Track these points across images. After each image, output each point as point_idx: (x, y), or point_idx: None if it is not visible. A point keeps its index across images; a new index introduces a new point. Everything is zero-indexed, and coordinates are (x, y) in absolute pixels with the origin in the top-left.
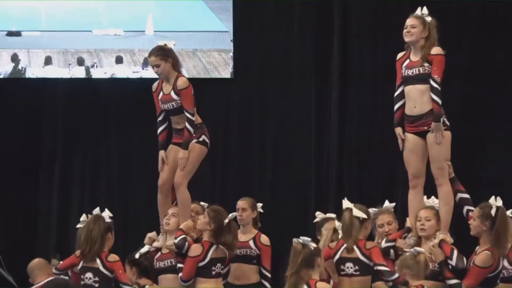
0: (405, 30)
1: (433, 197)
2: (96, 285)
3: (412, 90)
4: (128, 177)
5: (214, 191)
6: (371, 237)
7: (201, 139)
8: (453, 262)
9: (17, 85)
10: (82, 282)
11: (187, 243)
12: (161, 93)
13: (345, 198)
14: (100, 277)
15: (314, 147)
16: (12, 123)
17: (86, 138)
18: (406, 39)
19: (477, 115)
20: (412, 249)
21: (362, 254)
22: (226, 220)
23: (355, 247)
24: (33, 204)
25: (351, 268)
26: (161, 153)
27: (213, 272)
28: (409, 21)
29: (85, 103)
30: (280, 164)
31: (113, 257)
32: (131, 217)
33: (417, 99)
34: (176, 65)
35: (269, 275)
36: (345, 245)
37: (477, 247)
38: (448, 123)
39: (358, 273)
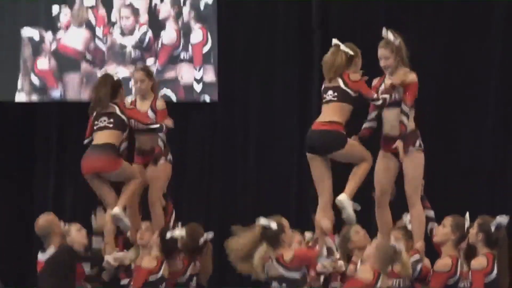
0: (380, 62)
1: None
2: (111, 125)
3: (389, 114)
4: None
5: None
6: None
7: (169, 158)
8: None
9: None
10: (95, 127)
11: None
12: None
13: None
14: (115, 119)
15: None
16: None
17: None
18: (384, 68)
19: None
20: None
21: (345, 84)
22: (202, 239)
23: (338, 78)
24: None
25: (331, 95)
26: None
27: None
28: (381, 52)
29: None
30: (264, 168)
31: (130, 105)
32: None
33: (394, 122)
34: (154, 87)
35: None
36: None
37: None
38: (422, 146)
39: (335, 99)
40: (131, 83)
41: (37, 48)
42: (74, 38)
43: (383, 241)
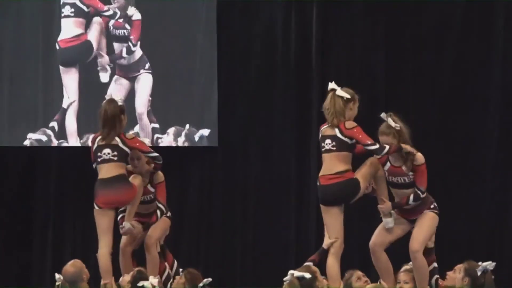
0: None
1: None
2: (115, 158)
3: (399, 193)
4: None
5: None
6: None
7: (168, 214)
8: None
9: None
10: (99, 159)
11: None
12: None
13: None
14: (118, 152)
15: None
16: None
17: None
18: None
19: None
20: None
21: (341, 132)
22: (201, 285)
23: (335, 127)
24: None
25: (329, 144)
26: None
27: None
28: (382, 139)
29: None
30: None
31: (130, 135)
32: None
33: (403, 197)
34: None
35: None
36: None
37: None
38: (437, 209)
39: (334, 148)
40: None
41: None
42: None
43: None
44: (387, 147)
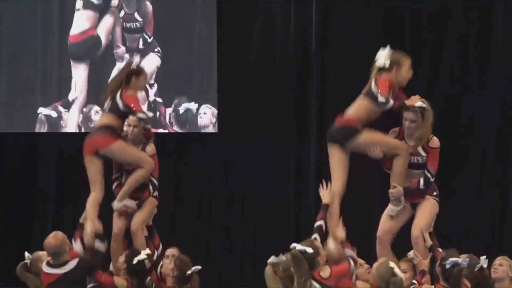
0: (404, 123)
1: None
2: (108, 108)
3: (408, 173)
4: None
5: None
6: None
7: (155, 194)
8: None
9: None
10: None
11: None
12: None
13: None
14: (113, 104)
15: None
16: None
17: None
18: (407, 130)
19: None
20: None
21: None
22: (189, 272)
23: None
24: None
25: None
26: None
27: None
28: (408, 115)
29: None
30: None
31: (130, 92)
32: None
33: (412, 177)
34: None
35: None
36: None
37: None
38: (438, 197)
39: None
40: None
41: None
42: None
43: (383, 262)
44: (392, 102)
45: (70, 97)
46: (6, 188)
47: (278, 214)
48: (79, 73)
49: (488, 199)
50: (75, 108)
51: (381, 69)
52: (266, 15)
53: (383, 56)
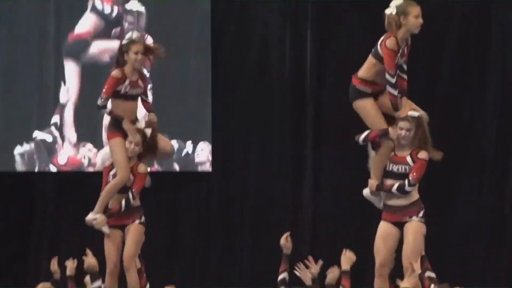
0: (399, 132)
1: None
2: None
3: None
4: None
5: None
6: None
7: (142, 220)
8: None
9: None
10: None
11: None
12: None
13: None
14: None
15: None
16: None
17: None
18: (400, 140)
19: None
20: None
21: (380, 44)
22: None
23: None
24: None
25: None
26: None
27: None
28: (403, 124)
29: None
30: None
31: (116, 72)
32: None
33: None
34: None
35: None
36: None
37: None
38: (424, 217)
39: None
40: None
41: None
42: None
43: None
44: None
45: (62, 99)
46: (6, 188)
47: (278, 214)
48: (72, 73)
49: (488, 199)
50: (69, 110)
51: (390, 25)
52: (264, 17)
53: (392, 5)
